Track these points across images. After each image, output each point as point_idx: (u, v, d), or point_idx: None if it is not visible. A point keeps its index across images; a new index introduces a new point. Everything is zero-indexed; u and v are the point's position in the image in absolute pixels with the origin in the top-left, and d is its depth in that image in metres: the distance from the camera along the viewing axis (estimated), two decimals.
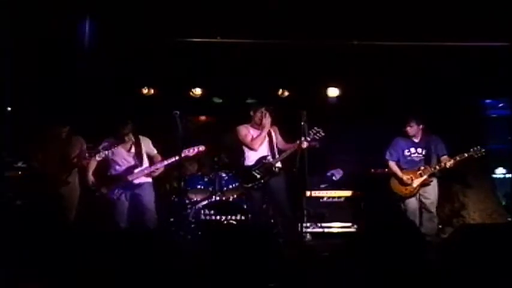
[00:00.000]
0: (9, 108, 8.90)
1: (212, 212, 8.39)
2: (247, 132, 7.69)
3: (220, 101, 10.00)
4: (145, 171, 7.68)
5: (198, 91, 9.67)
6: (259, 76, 9.11)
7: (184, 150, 7.46)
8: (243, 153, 7.72)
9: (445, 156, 7.84)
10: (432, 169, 7.84)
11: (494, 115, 10.44)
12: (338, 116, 9.48)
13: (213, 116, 10.52)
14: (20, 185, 7.87)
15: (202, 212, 8.40)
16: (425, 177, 7.87)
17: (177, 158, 7.36)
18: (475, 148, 7.70)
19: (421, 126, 8.00)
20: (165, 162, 7.68)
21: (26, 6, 6.88)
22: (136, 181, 7.60)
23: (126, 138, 7.61)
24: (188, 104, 9.43)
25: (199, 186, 8.91)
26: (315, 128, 7.23)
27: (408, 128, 7.98)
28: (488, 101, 10.15)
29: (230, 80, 9.33)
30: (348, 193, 9.12)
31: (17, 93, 8.32)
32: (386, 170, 8.37)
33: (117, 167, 7.65)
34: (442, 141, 7.96)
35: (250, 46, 8.22)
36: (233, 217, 8.30)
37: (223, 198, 8.54)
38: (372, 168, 9.13)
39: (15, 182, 8.00)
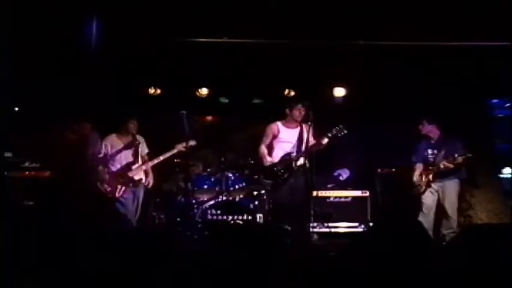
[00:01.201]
0: (16, 109, 8.95)
1: (219, 212, 8.39)
2: (274, 132, 7.66)
3: (227, 101, 10.00)
4: (144, 168, 7.89)
5: (204, 91, 9.68)
6: (266, 76, 9.11)
7: (177, 145, 7.82)
8: (271, 149, 7.65)
9: (460, 157, 7.80)
10: (433, 169, 7.88)
11: (501, 115, 10.39)
12: (344, 115, 9.46)
13: (219, 116, 10.53)
14: (32, 185, 7.93)
15: (208, 212, 8.40)
16: (429, 177, 7.91)
17: (172, 152, 7.88)
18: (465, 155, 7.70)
19: (432, 125, 8.05)
20: (161, 158, 7.94)
21: (42, 7, 6.93)
22: (136, 177, 7.78)
23: (130, 136, 7.79)
24: (194, 104, 9.44)
25: (205, 186, 8.95)
26: (340, 125, 7.24)
27: (420, 127, 8.08)
28: (495, 100, 10.11)
29: (236, 80, 9.34)
30: (354, 193, 9.11)
31: (28, 93, 8.37)
32: (393, 169, 8.38)
33: (117, 164, 7.80)
34: (459, 141, 7.94)
35: (256, 46, 8.21)
36: (240, 217, 8.31)
37: (230, 198, 8.55)
38: (378, 168, 9.13)
39: (22, 182, 8.03)
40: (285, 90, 9.64)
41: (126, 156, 7.81)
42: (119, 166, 7.77)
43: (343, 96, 9.72)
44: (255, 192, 8.79)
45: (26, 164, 8.25)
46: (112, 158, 7.77)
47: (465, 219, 9.04)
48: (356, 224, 8.86)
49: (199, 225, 8.25)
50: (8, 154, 8.05)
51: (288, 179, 7.41)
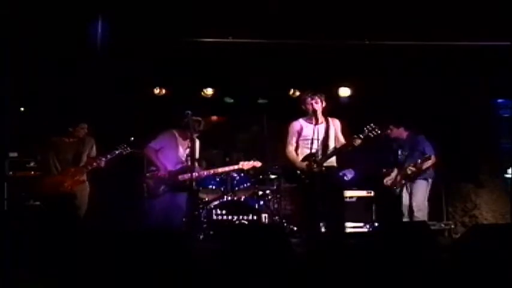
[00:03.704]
0: (22, 109, 8.98)
1: (224, 211, 8.39)
2: (297, 129, 6.94)
3: (232, 101, 9.99)
4: (203, 174, 7.73)
5: (209, 91, 9.67)
6: (270, 76, 9.11)
7: (241, 162, 7.87)
8: (296, 148, 6.95)
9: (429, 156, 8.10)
10: (403, 172, 8.18)
11: (506, 115, 10.37)
12: (349, 115, 9.44)
13: (224, 116, 10.53)
14: (32, 185, 7.90)
15: (213, 211, 8.41)
16: (401, 178, 8.24)
17: (234, 167, 7.95)
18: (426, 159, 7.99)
19: (399, 128, 8.39)
20: (221, 170, 7.98)
21: (45, 7, 6.94)
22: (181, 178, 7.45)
23: (190, 138, 7.30)
24: (199, 104, 9.44)
25: (210, 186, 8.93)
26: (371, 124, 6.55)
27: (389, 132, 8.38)
28: (500, 100, 10.09)
29: (241, 80, 9.34)
30: (359, 193, 9.11)
31: (33, 93, 8.38)
32: (394, 169, 8.48)
33: (172, 163, 7.48)
34: (427, 141, 8.23)
35: (261, 46, 8.21)
36: (245, 217, 8.31)
37: (235, 198, 8.56)
38: (383, 168, 9.12)
39: (27, 182, 8.04)
40: (289, 90, 9.63)
41: (182, 159, 7.53)
42: (177, 166, 7.49)
43: (349, 96, 9.71)
44: (260, 192, 8.81)
45: (32, 164, 8.25)
46: (168, 155, 7.48)
47: (470, 219, 9.06)
48: (361, 224, 8.87)
49: (205, 225, 8.27)
50: (13, 154, 8.07)
51: (312, 183, 6.64)
